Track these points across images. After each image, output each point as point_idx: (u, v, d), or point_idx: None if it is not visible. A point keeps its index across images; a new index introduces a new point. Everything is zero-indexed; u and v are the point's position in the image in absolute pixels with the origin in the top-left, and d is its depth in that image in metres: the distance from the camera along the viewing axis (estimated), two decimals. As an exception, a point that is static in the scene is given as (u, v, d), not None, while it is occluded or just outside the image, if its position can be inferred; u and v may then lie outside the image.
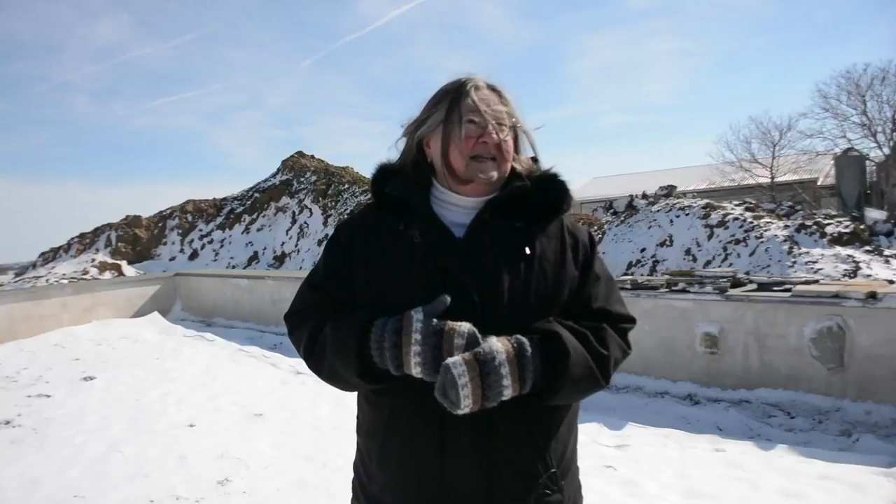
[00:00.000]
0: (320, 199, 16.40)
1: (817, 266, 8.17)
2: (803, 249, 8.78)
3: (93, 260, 14.48)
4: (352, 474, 1.29)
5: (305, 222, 16.21)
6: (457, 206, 1.20)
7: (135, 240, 16.41)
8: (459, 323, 1.03)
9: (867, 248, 8.69)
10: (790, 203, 12.23)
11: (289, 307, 1.28)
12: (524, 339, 1.05)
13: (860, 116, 18.93)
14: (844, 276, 7.77)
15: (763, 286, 4.76)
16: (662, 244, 10.75)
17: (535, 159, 1.28)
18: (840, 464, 3.16)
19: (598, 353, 1.11)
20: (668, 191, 13.04)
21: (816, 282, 4.87)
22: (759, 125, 25.12)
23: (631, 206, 12.27)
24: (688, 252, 10.26)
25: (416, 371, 1.03)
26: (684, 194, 14.53)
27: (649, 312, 4.98)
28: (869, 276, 7.64)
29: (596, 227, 12.28)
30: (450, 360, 0.99)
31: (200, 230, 17.04)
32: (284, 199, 17.22)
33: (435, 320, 1.04)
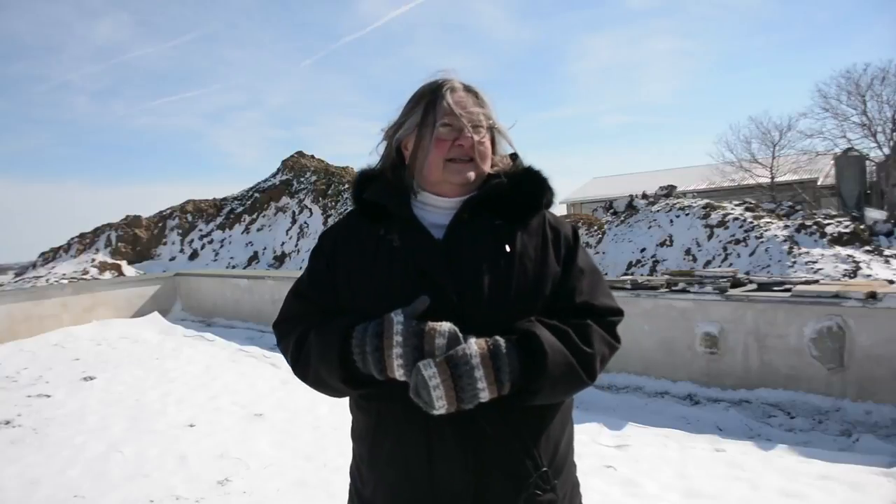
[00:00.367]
0: (320, 199, 16.41)
1: (817, 266, 8.17)
2: (803, 249, 8.78)
3: (93, 260, 14.48)
4: (349, 472, 1.30)
5: (305, 222, 16.22)
6: (436, 208, 1.21)
7: (135, 240, 16.41)
8: (440, 323, 1.04)
9: (867, 248, 8.69)
10: (790, 203, 12.24)
11: (277, 316, 1.29)
12: (501, 341, 1.05)
13: (860, 116, 18.98)
14: (844, 276, 7.78)
15: (763, 286, 4.76)
16: (662, 244, 10.75)
17: (515, 156, 1.28)
18: (840, 464, 3.16)
19: (580, 350, 1.10)
20: (668, 191, 13.05)
21: (816, 282, 4.87)
22: (759, 125, 25.14)
23: (631, 206, 12.27)
24: (688, 252, 10.27)
25: (399, 374, 1.04)
26: (684, 194, 14.54)
27: (649, 312, 4.98)
28: (869, 276, 7.64)
29: (596, 227, 12.29)
30: (421, 361, 1.00)
31: (200, 230, 17.04)
32: (284, 199, 17.23)
33: (415, 322, 1.04)
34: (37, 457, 3.87)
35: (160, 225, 17.03)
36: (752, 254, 9.30)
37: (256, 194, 17.65)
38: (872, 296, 3.97)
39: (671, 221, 10.99)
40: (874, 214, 11.04)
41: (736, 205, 10.91)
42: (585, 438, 3.69)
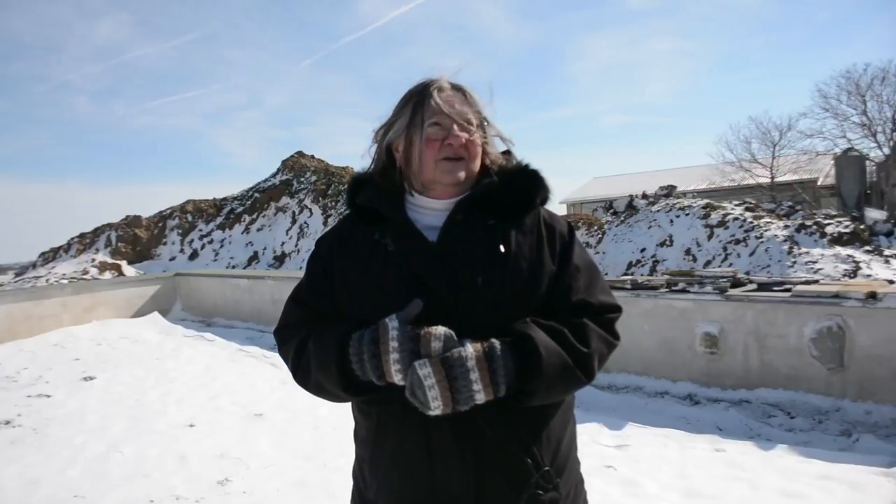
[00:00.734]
0: (320, 199, 16.41)
1: (817, 266, 8.17)
2: (803, 249, 8.78)
3: (93, 260, 14.48)
4: (351, 474, 1.30)
5: (305, 222, 16.22)
6: (429, 210, 1.20)
7: (135, 240, 16.41)
8: (435, 327, 1.04)
9: (867, 248, 8.69)
10: (790, 203, 12.23)
11: (277, 322, 1.29)
12: (496, 343, 1.04)
13: (860, 116, 18.97)
14: (844, 276, 7.77)
15: (763, 286, 4.76)
16: (662, 244, 10.75)
17: (508, 153, 1.27)
18: (840, 464, 3.16)
19: (576, 350, 1.09)
20: (668, 191, 13.05)
21: (816, 282, 4.87)
22: (759, 125, 25.12)
23: (631, 206, 12.27)
24: (688, 252, 10.27)
25: (397, 378, 1.04)
26: (684, 194, 14.54)
27: (649, 312, 4.98)
28: (869, 276, 7.64)
29: (596, 227, 12.29)
30: (417, 361, 1.01)
31: (200, 230, 17.04)
32: (284, 199, 17.22)
33: (410, 326, 1.04)
34: (37, 457, 3.87)
35: (160, 225, 17.03)
36: (752, 254, 9.30)
37: (256, 194, 17.65)
38: (872, 296, 3.97)
39: (671, 221, 10.99)
40: (874, 214, 11.04)
41: (736, 205, 10.91)
42: (585, 438, 3.69)
